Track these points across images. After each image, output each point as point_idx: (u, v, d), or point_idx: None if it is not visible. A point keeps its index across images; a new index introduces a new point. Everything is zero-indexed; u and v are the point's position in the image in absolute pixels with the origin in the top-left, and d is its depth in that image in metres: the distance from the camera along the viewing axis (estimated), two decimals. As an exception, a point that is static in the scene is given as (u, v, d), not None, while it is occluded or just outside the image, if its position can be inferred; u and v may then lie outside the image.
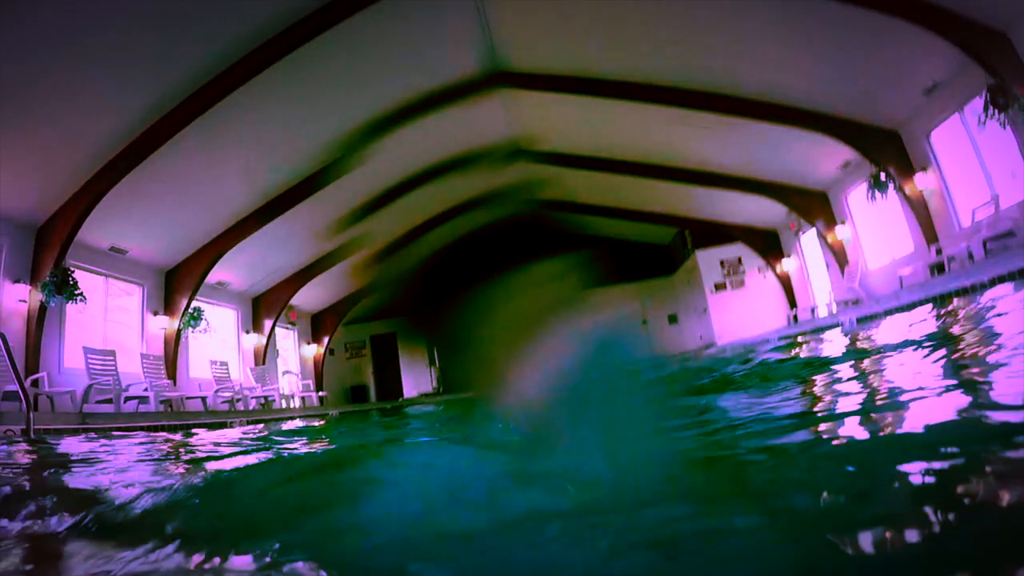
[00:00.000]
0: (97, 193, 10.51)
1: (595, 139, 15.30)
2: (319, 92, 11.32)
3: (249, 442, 3.95)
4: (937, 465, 1.22)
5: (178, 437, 5.27)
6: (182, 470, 2.32)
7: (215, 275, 15.14)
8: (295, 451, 2.81)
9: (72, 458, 3.43)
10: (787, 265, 18.41)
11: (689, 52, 11.15)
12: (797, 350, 6.83)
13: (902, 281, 11.92)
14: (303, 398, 17.71)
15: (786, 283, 18.58)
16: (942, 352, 3.19)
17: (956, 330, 4.47)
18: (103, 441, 4.76)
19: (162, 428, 8.87)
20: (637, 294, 22.49)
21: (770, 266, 18.85)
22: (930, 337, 4.26)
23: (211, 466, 2.50)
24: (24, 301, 10.33)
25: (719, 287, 19.50)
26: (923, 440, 1.43)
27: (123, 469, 2.62)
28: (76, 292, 10.67)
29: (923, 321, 5.92)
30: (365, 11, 9.53)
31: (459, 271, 1.73)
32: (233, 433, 5.56)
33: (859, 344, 5.48)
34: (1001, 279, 7.50)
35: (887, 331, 6.27)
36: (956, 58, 9.24)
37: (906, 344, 3.80)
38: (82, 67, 8.60)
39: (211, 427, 9.40)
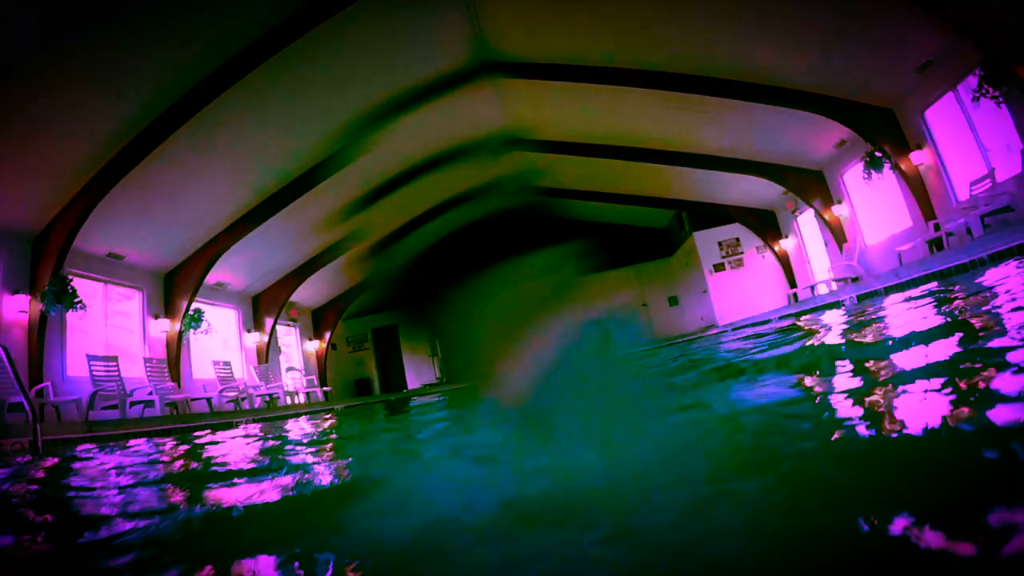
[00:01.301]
0: (92, 200, 10.49)
1: (590, 126, 15.24)
2: (308, 90, 11.27)
3: (256, 457, 3.92)
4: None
5: (183, 449, 5.23)
6: (178, 508, 2.28)
7: (214, 276, 15.14)
8: (305, 472, 2.79)
9: (68, 485, 3.40)
10: (785, 244, 18.43)
11: (682, 37, 11.08)
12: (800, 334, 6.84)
13: (901, 258, 11.93)
14: (307, 394, 17.77)
15: (785, 262, 18.60)
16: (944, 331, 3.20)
17: (959, 308, 4.47)
18: (103, 457, 4.71)
19: (168, 432, 8.90)
20: (636, 277, 22.56)
21: (768, 246, 18.86)
22: (932, 315, 4.27)
23: (213, 495, 2.47)
24: (24, 312, 10.33)
25: (718, 268, 19.52)
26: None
27: (113, 503, 2.58)
28: (76, 300, 10.67)
29: (924, 299, 5.93)
30: (352, 6, 9.47)
31: (456, 262, 1.74)
32: (239, 441, 5.54)
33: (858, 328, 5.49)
34: (1000, 255, 7.51)
35: (887, 310, 6.28)
36: (949, 35, 9.19)
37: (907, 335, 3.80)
38: (71, 75, 8.55)
39: (216, 428, 9.43)
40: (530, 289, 1.75)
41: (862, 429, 1.63)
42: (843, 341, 4.36)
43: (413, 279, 1.81)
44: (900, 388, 1.99)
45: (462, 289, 1.74)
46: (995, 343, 2.35)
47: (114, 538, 1.78)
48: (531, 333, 1.72)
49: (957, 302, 4.66)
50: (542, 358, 1.71)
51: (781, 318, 12.42)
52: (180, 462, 4.02)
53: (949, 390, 1.74)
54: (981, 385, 1.70)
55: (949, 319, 3.73)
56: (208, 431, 8.54)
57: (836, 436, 1.66)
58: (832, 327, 6.18)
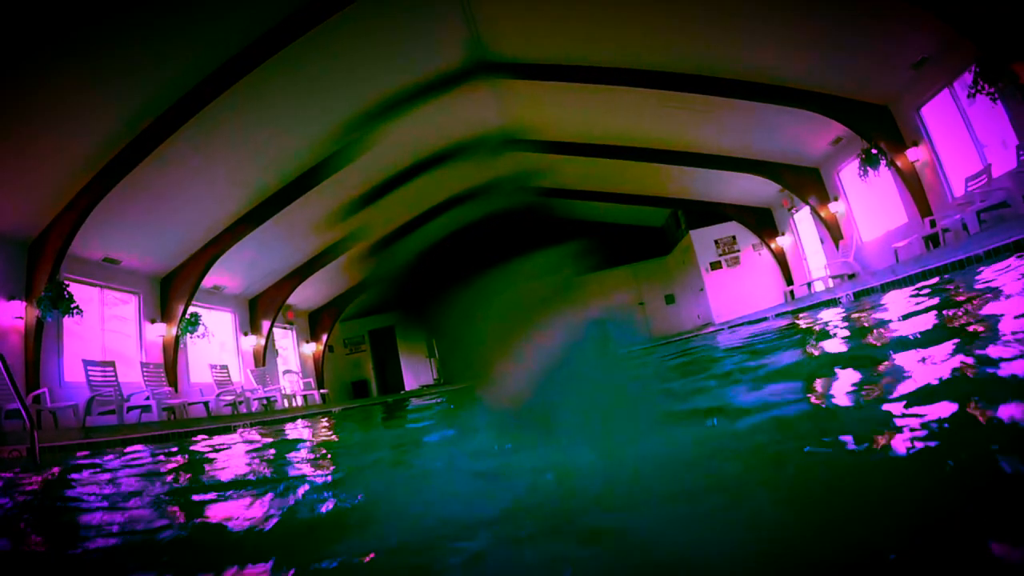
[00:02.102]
0: (87, 205, 10.44)
1: (587, 126, 15.24)
2: (306, 91, 11.24)
3: (251, 470, 3.84)
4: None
5: (176, 463, 5.10)
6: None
7: (210, 279, 15.09)
8: (297, 489, 2.73)
9: (59, 499, 3.32)
10: (782, 242, 18.45)
11: (679, 36, 11.07)
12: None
13: (897, 254, 11.95)
14: (305, 396, 17.74)
15: (781, 260, 18.62)
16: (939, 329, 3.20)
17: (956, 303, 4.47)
18: (95, 473, 4.58)
19: (166, 438, 8.89)
20: (633, 276, 22.57)
21: (765, 243, 18.88)
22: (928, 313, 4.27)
23: (197, 516, 2.41)
24: (21, 318, 10.28)
25: (714, 266, 19.54)
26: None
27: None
28: (72, 305, 10.62)
29: (921, 297, 5.93)
30: (349, 7, 9.45)
31: (456, 263, 1.73)
32: (235, 452, 5.46)
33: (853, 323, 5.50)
34: (997, 251, 7.53)
35: (885, 309, 6.28)
36: (945, 33, 9.21)
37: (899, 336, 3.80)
38: (67, 80, 8.51)
39: (213, 433, 9.40)
40: (530, 290, 1.75)
41: (858, 441, 1.62)
42: (843, 346, 4.34)
43: (413, 279, 1.81)
44: (900, 396, 1.97)
45: (462, 289, 1.74)
46: (992, 349, 2.34)
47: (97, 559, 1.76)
48: (531, 333, 1.72)
49: (955, 301, 4.66)
50: (541, 358, 1.71)
51: (778, 315, 12.45)
52: (171, 477, 3.91)
53: (946, 399, 1.73)
54: (979, 394, 1.69)
55: (947, 320, 3.71)
56: (204, 436, 8.52)
57: (830, 449, 1.64)
58: (829, 328, 6.17)
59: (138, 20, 8.24)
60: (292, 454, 4.64)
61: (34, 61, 7.98)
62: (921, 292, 6.55)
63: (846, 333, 5.03)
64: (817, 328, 6.43)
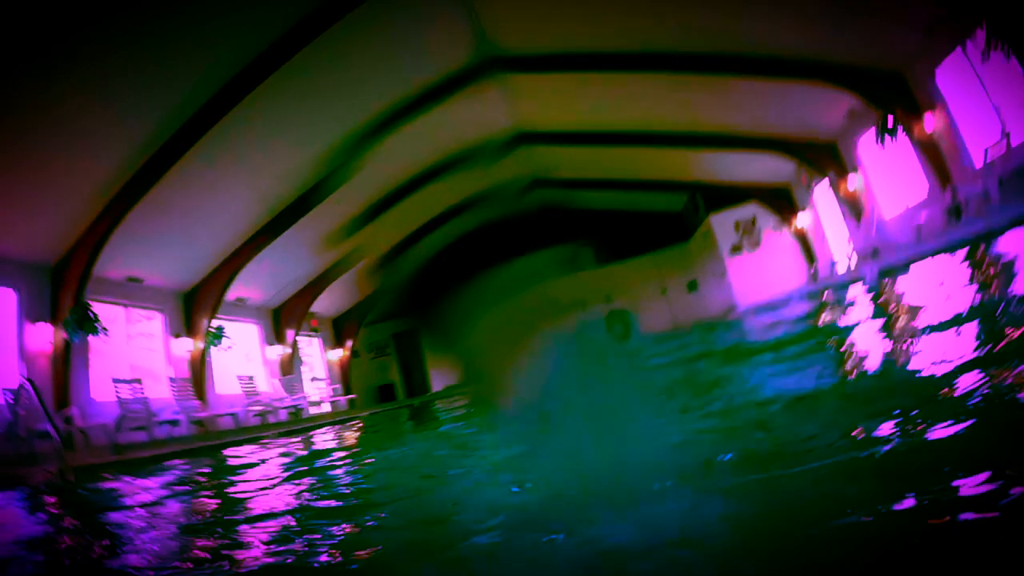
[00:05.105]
0: (109, 226, 10.66)
1: (597, 114, 15.10)
2: (318, 99, 11.33)
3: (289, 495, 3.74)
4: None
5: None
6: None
7: (233, 292, 15.27)
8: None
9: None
10: (802, 220, 18.07)
11: (683, 14, 10.88)
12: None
13: (920, 229, 11.66)
14: (332, 403, 17.91)
15: (803, 239, 18.29)
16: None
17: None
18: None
19: (196, 452, 8.99)
20: (654, 265, 22.33)
21: (785, 222, 18.54)
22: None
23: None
24: (49, 341, 10.48)
25: (736, 249, 19.22)
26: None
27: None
28: (97, 325, 10.80)
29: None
30: (354, 13, 9.50)
31: (459, 268, 1.72)
32: (271, 469, 5.35)
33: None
34: (1020, 221, 7.32)
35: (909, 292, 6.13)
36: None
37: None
38: (82, 103, 8.66)
39: (242, 443, 9.48)
40: (532, 295, 1.73)
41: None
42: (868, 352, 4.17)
43: (421, 287, 1.81)
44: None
45: (464, 296, 1.73)
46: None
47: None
48: (530, 340, 1.71)
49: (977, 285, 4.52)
50: (542, 365, 1.70)
51: (802, 297, 12.26)
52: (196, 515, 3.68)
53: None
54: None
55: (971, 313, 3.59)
56: (236, 456, 8.51)
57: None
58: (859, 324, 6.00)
59: (147, 40, 8.36)
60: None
61: (44, 80, 8.06)
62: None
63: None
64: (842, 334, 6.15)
